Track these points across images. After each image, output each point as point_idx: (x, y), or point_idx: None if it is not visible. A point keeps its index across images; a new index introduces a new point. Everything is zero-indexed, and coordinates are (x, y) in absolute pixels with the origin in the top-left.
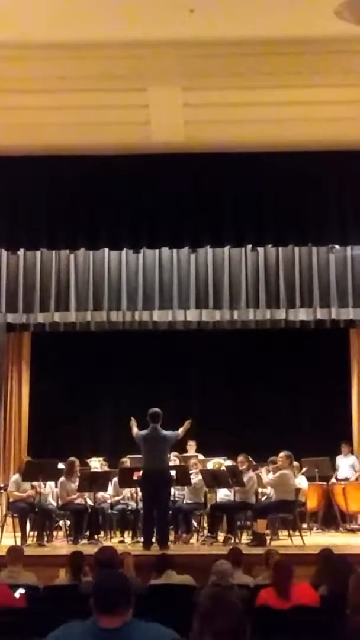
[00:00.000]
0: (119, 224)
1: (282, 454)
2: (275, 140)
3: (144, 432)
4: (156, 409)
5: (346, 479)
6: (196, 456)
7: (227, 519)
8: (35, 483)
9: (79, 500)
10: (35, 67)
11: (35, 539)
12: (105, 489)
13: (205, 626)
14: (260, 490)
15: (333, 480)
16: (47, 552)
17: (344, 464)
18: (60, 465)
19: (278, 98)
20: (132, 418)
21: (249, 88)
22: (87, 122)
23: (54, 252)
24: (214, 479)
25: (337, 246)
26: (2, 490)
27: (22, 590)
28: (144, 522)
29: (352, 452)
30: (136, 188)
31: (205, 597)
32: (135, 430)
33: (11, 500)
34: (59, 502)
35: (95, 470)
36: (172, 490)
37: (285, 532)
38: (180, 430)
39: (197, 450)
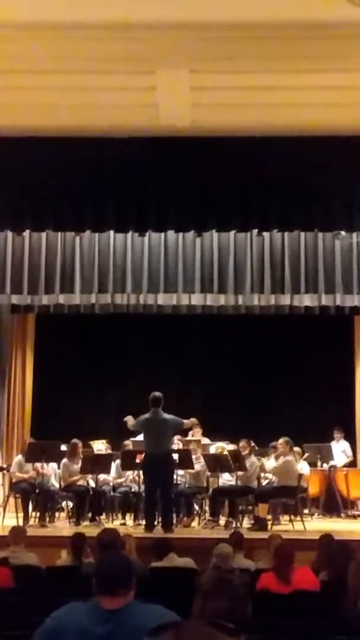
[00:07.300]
0: (125, 206)
1: (281, 440)
2: (283, 125)
3: (145, 416)
4: (157, 393)
5: (334, 466)
6: (198, 441)
7: (229, 503)
8: (37, 464)
9: (81, 482)
10: (43, 48)
11: (37, 520)
12: (107, 471)
13: (206, 606)
14: (262, 474)
15: (323, 465)
16: (49, 532)
17: (336, 450)
18: (63, 447)
19: (286, 82)
20: (128, 416)
21: (256, 71)
22: (95, 104)
23: (59, 233)
24: (216, 463)
25: (343, 232)
26: (5, 471)
27: None
28: (146, 505)
29: (344, 438)
30: (143, 171)
31: (207, 578)
32: (131, 422)
33: (14, 481)
34: (62, 483)
35: (99, 452)
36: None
37: (287, 517)
38: (186, 422)
39: (202, 434)
